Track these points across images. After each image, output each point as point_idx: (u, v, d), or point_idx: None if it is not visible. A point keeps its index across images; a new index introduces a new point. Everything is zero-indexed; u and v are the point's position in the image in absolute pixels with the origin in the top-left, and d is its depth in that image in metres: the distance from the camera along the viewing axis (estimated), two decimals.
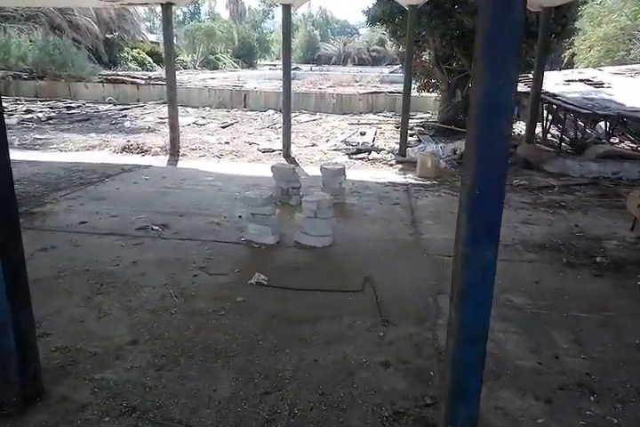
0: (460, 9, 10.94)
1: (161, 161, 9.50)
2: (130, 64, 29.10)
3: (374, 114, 17.79)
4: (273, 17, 78.50)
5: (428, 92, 14.43)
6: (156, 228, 5.67)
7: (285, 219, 5.76)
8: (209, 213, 6.35)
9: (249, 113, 17.48)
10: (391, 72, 39.35)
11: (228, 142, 11.39)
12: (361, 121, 15.87)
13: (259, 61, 54.22)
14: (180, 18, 58.69)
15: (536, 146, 10.28)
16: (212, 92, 18.81)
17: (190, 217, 6.14)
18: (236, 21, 53.46)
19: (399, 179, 8.65)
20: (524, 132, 11.95)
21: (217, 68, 38.10)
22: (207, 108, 17.87)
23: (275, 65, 52.67)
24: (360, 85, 22.56)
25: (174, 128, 10.16)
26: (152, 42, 35.01)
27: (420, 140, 12.20)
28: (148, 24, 60.66)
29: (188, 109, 17.37)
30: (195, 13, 64.21)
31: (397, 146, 10.89)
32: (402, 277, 4.60)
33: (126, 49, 30.03)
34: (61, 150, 10.28)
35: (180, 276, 4.50)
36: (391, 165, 9.77)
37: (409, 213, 6.60)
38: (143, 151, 10.02)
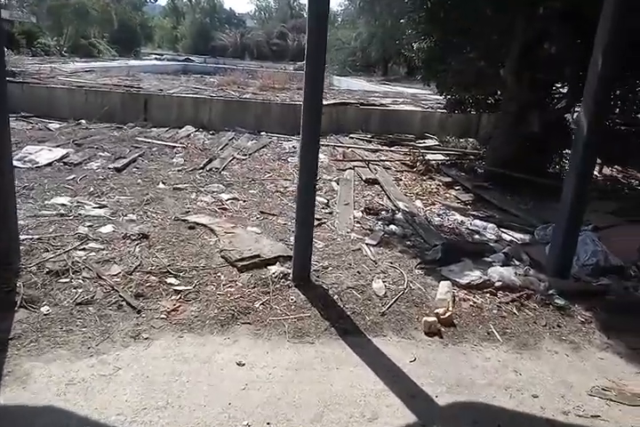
0: None
1: None
2: None
3: (345, 136, 12.11)
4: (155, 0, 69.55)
5: (463, 112, 9.00)
6: None
7: None
8: None
9: (155, 131, 10.97)
10: (296, 69, 33.89)
11: (145, 236, 4.80)
12: (345, 153, 10.07)
13: (141, 49, 46.26)
14: None
15: None
16: (92, 96, 11.89)
17: None
18: (114, 0, 44.65)
19: None
20: None
21: (91, 56, 30.02)
22: (84, 122, 11.02)
23: (162, 55, 45.18)
24: (299, 89, 16.61)
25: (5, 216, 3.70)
26: None
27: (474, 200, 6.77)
28: None
29: (52, 125, 10.46)
30: None
31: (523, 244, 5.31)
32: None
33: None
34: None
35: None
36: (559, 308, 4.15)
37: None
38: None
